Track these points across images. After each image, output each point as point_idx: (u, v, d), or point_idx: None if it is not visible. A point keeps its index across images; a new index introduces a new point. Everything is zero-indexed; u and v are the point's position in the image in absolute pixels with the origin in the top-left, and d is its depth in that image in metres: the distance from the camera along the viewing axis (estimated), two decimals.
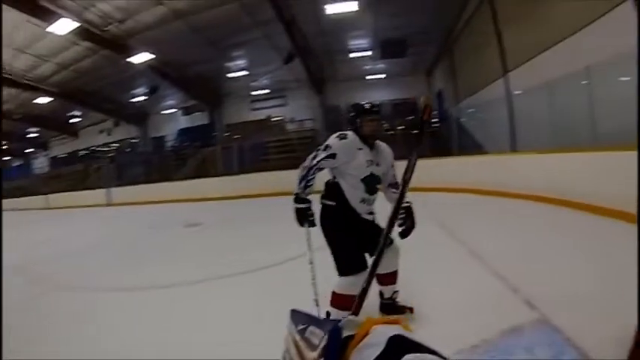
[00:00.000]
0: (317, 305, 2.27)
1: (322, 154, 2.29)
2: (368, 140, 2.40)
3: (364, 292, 1.49)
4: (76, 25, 11.66)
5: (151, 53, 14.54)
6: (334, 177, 2.45)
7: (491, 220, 6.02)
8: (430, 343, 0.41)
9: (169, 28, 13.45)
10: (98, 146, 25.23)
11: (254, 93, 21.67)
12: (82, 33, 12.49)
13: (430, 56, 18.23)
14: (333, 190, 2.44)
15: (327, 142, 2.32)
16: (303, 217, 2.31)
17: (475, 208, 7.18)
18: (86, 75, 17.15)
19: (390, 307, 2.60)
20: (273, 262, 4.36)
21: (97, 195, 16.96)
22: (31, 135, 26.71)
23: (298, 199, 2.30)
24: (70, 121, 24.43)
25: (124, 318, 3.24)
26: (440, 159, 10.56)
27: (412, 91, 21.06)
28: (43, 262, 5.87)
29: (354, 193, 2.40)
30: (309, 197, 2.33)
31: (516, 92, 9.26)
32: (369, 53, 17.71)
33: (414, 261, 2.87)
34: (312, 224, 2.35)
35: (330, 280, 2.37)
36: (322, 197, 2.50)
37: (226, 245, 5.88)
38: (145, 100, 21.09)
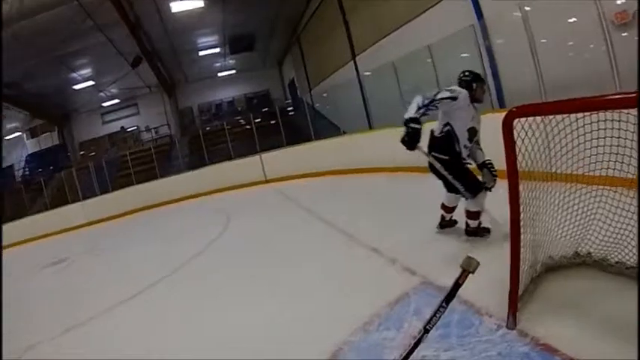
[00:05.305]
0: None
1: (446, 94, 2.64)
2: (473, 103, 2.85)
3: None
4: None
5: None
6: (444, 125, 2.84)
7: (354, 199, 6.35)
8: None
9: None
10: None
11: (104, 104, 19.64)
12: None
13: (280, 47, 19.06)
14: (447, 142, 2.85)
15: (449, 88, 2.71)
16: (415, 139, 2.59)
17: (337, 189, 7.67)
18: None
19: (472, 233, 3.08)
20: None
21: None
22: None
23: (414, 120, 2.56)
24: None
25: None
26: (298, 146, 11.13)
27: (265, 83, 21.82)
28: None
29: (461, 139, 2.85)
30: None
31: (366, 73, 10.58)
32: (218, 50, 17.60)
33: (291, 250, 3.05)
34: (416, 147, 2.64)
35: None
36: (433, 151, 2.91)
37: (93, 281, 5.25)
38: None
